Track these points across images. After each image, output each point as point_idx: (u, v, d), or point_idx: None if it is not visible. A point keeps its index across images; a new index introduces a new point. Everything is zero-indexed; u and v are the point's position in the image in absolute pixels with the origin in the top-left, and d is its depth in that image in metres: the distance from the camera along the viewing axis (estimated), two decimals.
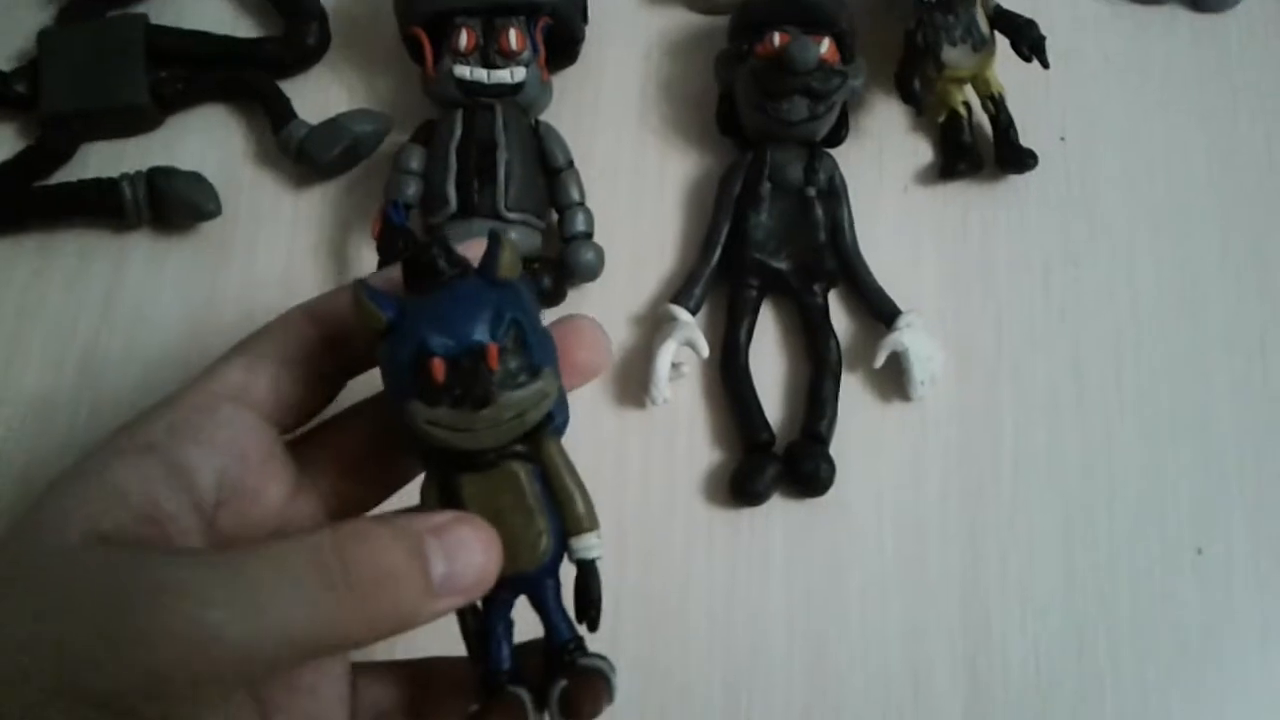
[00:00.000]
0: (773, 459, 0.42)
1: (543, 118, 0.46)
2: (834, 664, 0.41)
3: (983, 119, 0.47)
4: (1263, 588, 0.42)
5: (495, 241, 0.26)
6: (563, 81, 0.47)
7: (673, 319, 0.43)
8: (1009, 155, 0.46)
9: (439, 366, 0.25)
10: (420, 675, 0.31)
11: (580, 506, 0.27)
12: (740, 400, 0.43)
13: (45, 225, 0.46)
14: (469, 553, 0.25)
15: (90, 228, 0.46)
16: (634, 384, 0.43)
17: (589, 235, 0.44)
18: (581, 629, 0.28)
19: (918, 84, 0.46)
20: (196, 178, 0.45)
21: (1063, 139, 0.48)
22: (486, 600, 0.27)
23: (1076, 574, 0.42)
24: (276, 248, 0.46)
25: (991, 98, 0.46)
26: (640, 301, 0.45)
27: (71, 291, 0.45)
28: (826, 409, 0.42)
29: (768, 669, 0.40)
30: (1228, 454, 0.43)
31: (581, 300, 0.45)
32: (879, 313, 0.44)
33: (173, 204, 0.45)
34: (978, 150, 0.46)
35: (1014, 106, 0.46)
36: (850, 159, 0.46)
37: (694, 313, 0.44)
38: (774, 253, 0.44)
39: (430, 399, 0.25)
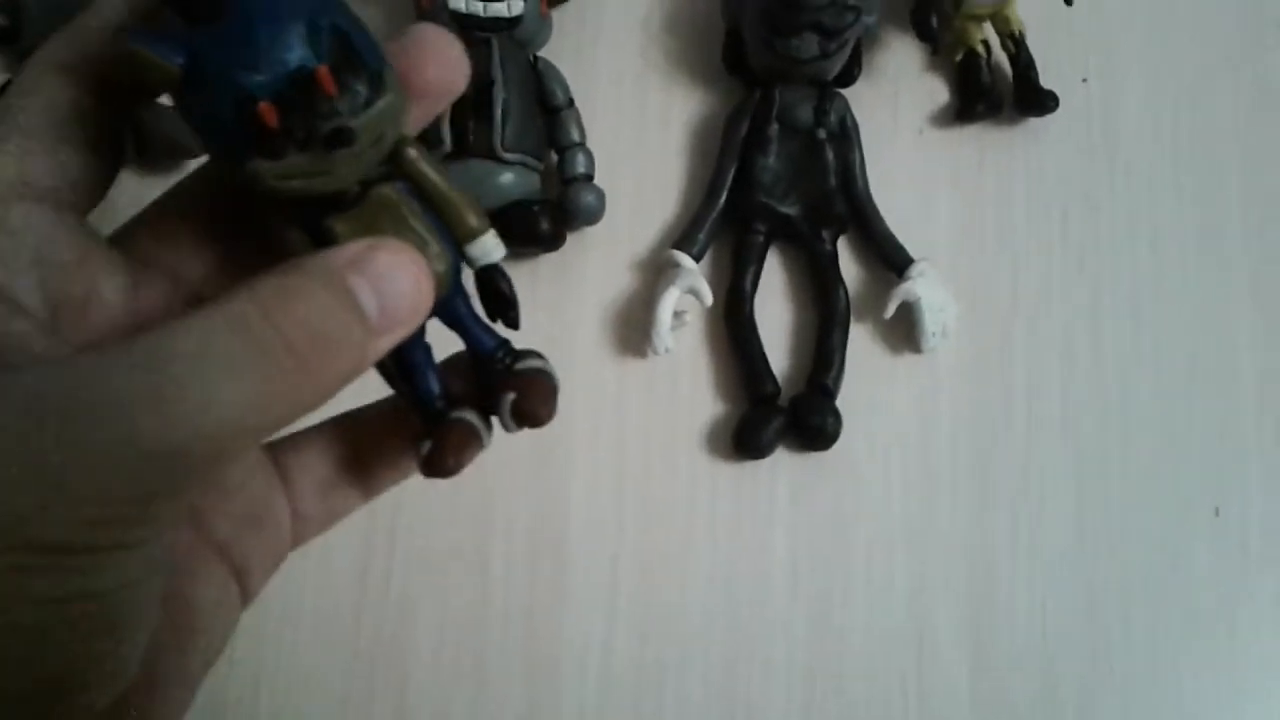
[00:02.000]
0: (778, 411, 0.41)
1: (541, 54, 0.44)
2: (837, 622, 0.40)
3: (1002, 59, 0.45)
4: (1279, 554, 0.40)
5: None
6: (562, 16, 0.45)
7: (675, 265, 0.41)
8: (1029, 97, 0.44)
9: (269, 112, 0.20)
10: (348, 431, 0.28)
11: (465, 209, 0.24)
12: (745, 350, 0.41)
13: None
14: (396, 280, 0.22)
15: None
16: (635, 332, 0.42)
17: (590, 177, 0.43)
18: (504, 331, 0.26)
19: (935, 21, 0.44)
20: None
21: (1085, 80, 0.46)
22: None
23: (1088, 533, 0.40)
24: None
25: (1011, 36, 0.44)
26: (642, 247, 0.43)
27: None
28: (834, 360, 0.41)
29: (769, 627, 0.39)
30: (1248, 410, 0.42)
31: (581, 245, 0.43)
32: (890, 261, 0.42)
33: (157, 142, 0.43)
34: (996, 91, 0.44)
35: (1035, 46, 0.44)
36: (863, 100, 0.44)
37: (698, 259, 0.42)
38: (782, 197, 0.42)
39: (270, 151, 0.21)
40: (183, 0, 0.21)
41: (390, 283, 0.22)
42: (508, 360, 0.26)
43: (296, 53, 0.21)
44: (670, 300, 0.41)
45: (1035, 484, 0.41)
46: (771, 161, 0.43)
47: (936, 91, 0.46)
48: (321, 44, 0.21)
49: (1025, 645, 0.39)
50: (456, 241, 0.24)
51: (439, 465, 0.25)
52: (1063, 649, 0.39)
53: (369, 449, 0.28)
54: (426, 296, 0.22)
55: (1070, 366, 0.42)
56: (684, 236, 0.42)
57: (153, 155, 0.43)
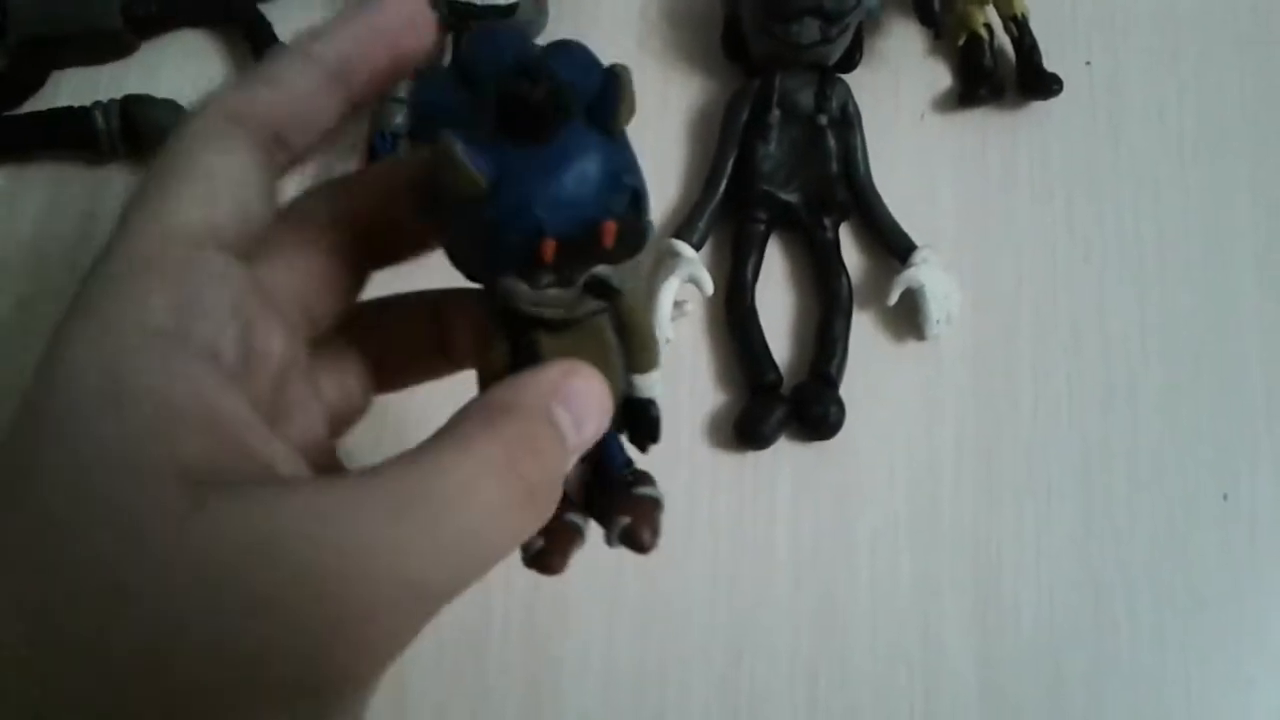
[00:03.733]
0: (780, 401, 0.40)
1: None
2: (841, 614, 0.39)
3: (1005, 42, 0.44)
4: None
5: (614, 81, 0.22)
6: (559, 4, 0.45)
7: (675, 255, 0.41)
8: (1032, 80, 0.44)
9: (550, 248, 0.22)
10: (380, 325, 0.29)
11: (651, 344, 0.26)
12: (746, 339, 0.41)
13: (15, 157, 0.44)
14: (589, 407, 0.23)
15: (63, 159, 0.44)
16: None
17: None
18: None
19: (937, 4, 0.44)
20: (173, 106, 0.43)
21: (1089, 63, 0.45)
22: None
23: (1095, 522, 0.40)
24: None
25: (1014, 19, 0.44)
26: None
27: (44, 227, 0.43)
28: (836, 349, 0.41)
29: (772, 618, 0.39)
30: (1255, 395, 0.42)
31: None
32: (893, 248, 0.42)
33: (149, 134, 0.43)
34: (999, 75, 0.44)
35: (1038, 28, 0.44)
36: (864, 85, 0.43)
37: (698, 248, 0.41)
38: (783, 184, 0.42)
39: (533, 279, 0.23)
40: (513, 119, 0.22)
41: (585, 410, 0.23)
42: (630, 479, 0.27)
43: (594, 204, 0.22)
44: (670, 290, 0.40)
45: (1041, 472, 0.40)
46: (772, 149, 0.42)
47: (939, 76, 0.45)
48: (618, 201, 0.22)
49: (1032, 635, 0.39)
50: (630, 369, 0.26)
51: (546, 565, 0.26)
52: (1070, 638, 0.39)
53: (397, 345, 0.29)
54: (607, 419, 0.24)
55: (1076, 352, 0.42)
56: (684, 225, 0.42)
57: (145, 147, 0.43)
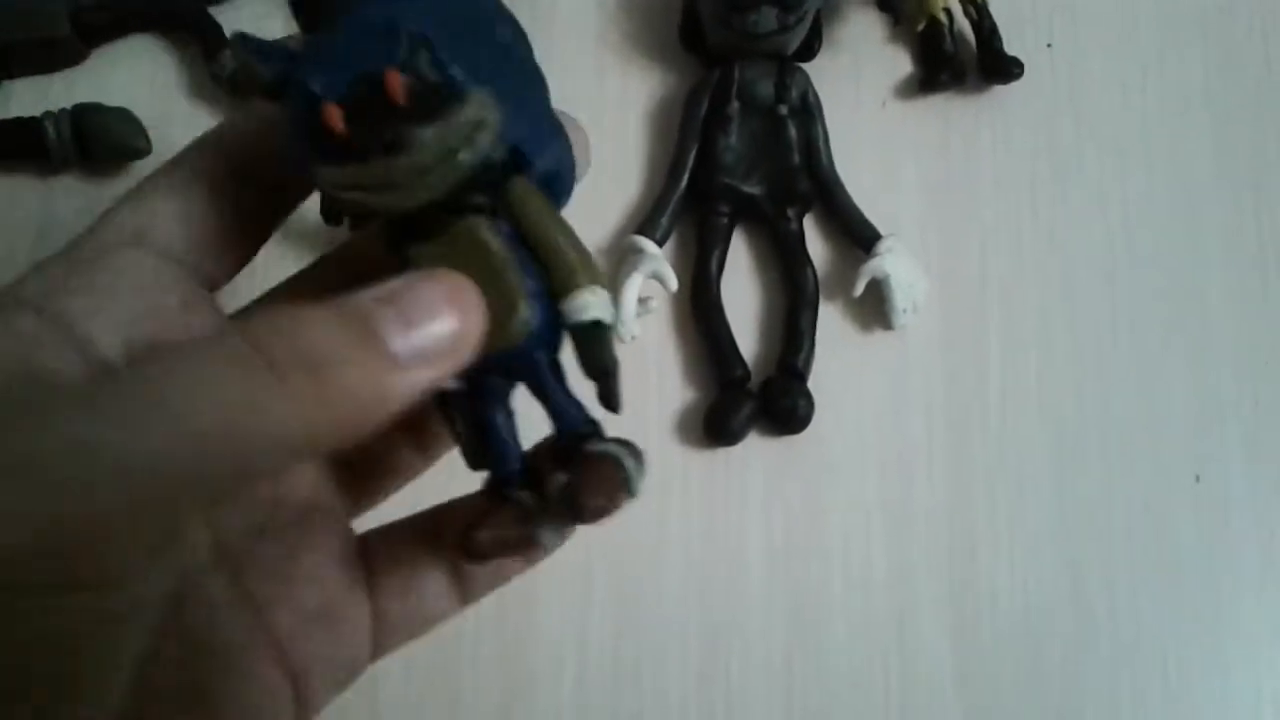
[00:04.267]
0: (748, 396, 0.40)
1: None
2: (816, 608, 0.39)
3: (965, 26, 0.44)
4: (1261, 515, 0.40)
5: None
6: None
7: (638, 251, 0.40)
8: (993, 64, 0.43)
9: (333, 114, 0.19)
10: (443, 523, 0.26)
11: (568, 257, 0.21)
12: (712, 335, 0.41)
13: None
14: (433, 311, 0.20)
15: (14, 172, 0.43)
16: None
17: None
18: (601, 413, 0.23)
19: None
20: (125, 114, 0.42)
21: (1049, 45, 0.45)
22: (475, 392, 0.22)
23: (1068, 506, 0.40)
24: None
25: (974, 3, 0.43)
26: (603, 234, 0.42)
27: None
28: (804, 341, 0.40)
29: (747, 614, 0.39)
30: (1225, 375, 0.41)
31: None
32: (858, 237, 0.41)
33: (101, 143, 0.42)
34: (960, 60, 0.43)
35: (998, 12, 0.43)
36: (824, 74, 0.43)
37: (661, 244, 0.41)
38: (745, 177, 0.42)
39: (333, 157, 0.20)
40: (299, 11, 0.21)
41: (425, 312, 0.19)
42: (583, 435, 0.23)
43: (371, 57, 0.20)
44: (634, 287, 0.40)
45: (1013, 458, 0.40)
46: (733, 141, 0.42)
47: (899, 63, 0.45)
48: (400, 50, 0.20)
49: (1008, 623, 0.39)
50: (553, 295, 0.22)
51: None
52: (1046, 624, 0.39)
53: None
54: (473, 330, 0.20)
55: (1044, 337, 0.42)
56: (646, 221, 0.41)
57: (98, 156, 0.42)
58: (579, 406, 0.23)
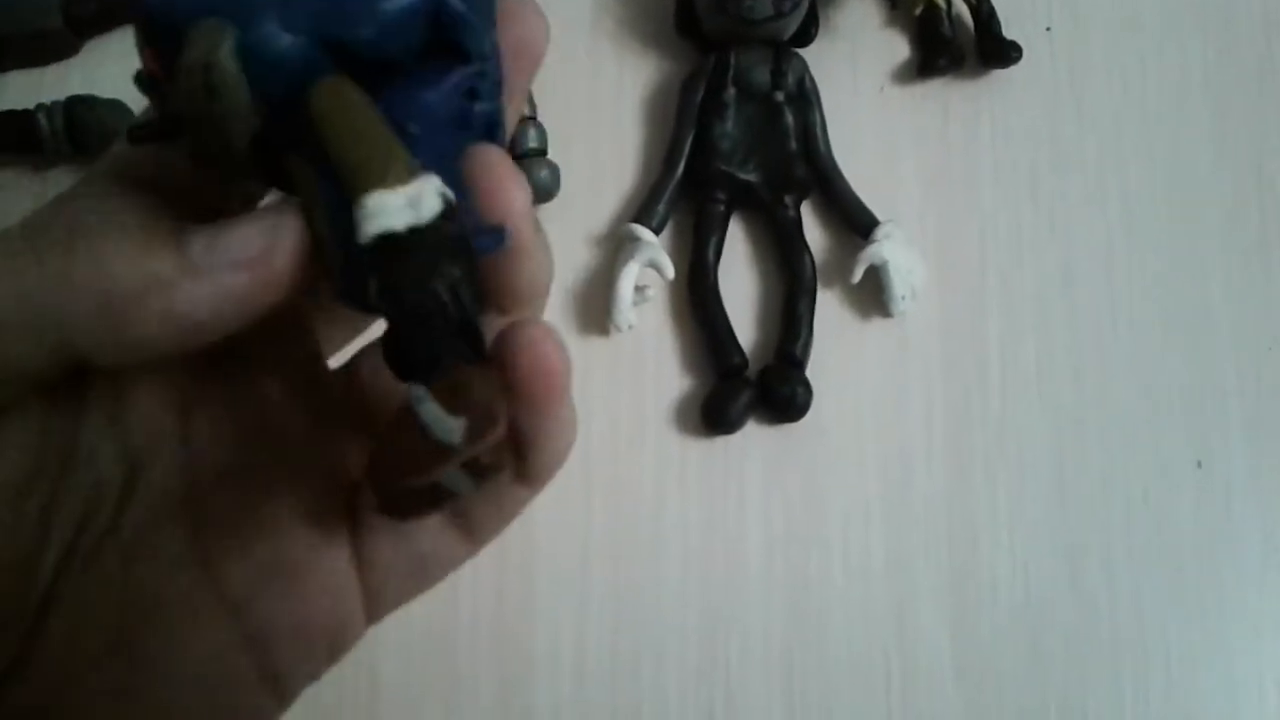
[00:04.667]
0: (746, 384, 0.39)
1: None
2: (815, 597, 0.39)
3: (963, 10, 0.44)
4: (1263, 502, 0.40)
5: None
6: None
7: (635, 239, 0.40)
8: (991, 48, 0.43)
9: (150, 56, 0.19)
10: None
11: (360, 153, 0.18)
12: (710, 323, 0.40)
13: None
14: (233, 233, 0.20)
15: (7, 165, 0.43)
16: (596, 310, 0.41)
17: (542, 152, 0.41)
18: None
19: None
20: (118, 105, 0.42)
21: (1049, 29, 0.44)
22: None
23: (1068, 493, 0.40)
24: None
25: None
26: (600, 222, 0.42)
27: None
28: (802, 329, 0.40)
29: (746, 604, 0.39)
30: (1226, 361, 0.41)
31: None
32: (855, 224, 0.41)
33: (94, 135, 0.42)
34: (958, 44, 0.43)
35: None
36: (821, 59, 0.43)
37: (657, 232, 0.41)
38: (741, 164, 0.41)
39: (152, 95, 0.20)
40: None
41: (225, 235, 0.20)
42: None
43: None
44: (630, 275, 0.40)
45: (1012, 445, 0.40)
46: (729, 127, 0.41)
47: (897, 47, 0.44)
48: None
49: (1008, 611, 0.39)
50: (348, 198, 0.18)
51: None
52: (1047, 612, 0.39)
53: None
54: (288, 250, 0.19)
55: (1044, 324, 0.41)
56: (642, 209, 0.41)
57: (92, 149, 0.42)
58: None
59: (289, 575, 0.23)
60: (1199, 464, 0.40)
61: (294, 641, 0.23)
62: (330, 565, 0.23)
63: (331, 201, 0.18)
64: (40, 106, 0.42)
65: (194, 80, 0.18)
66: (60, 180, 0.43)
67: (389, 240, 0.17)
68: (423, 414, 0.18)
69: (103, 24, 0.44)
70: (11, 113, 0.42)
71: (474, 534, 0.25)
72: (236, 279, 0.19)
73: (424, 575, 0.25)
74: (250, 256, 0.19)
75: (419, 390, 0.18)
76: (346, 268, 0.18)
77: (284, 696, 0.23)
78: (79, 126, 0.42)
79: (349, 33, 0.18)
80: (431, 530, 0.24)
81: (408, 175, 0.17)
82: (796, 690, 0.38)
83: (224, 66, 0.18)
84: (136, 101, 0.42)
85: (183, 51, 0.18)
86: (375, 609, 0.24)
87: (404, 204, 0.17)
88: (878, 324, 0.41)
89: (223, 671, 0.22)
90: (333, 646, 0.24)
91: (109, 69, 0.44)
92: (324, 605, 0.23)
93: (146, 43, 0.19)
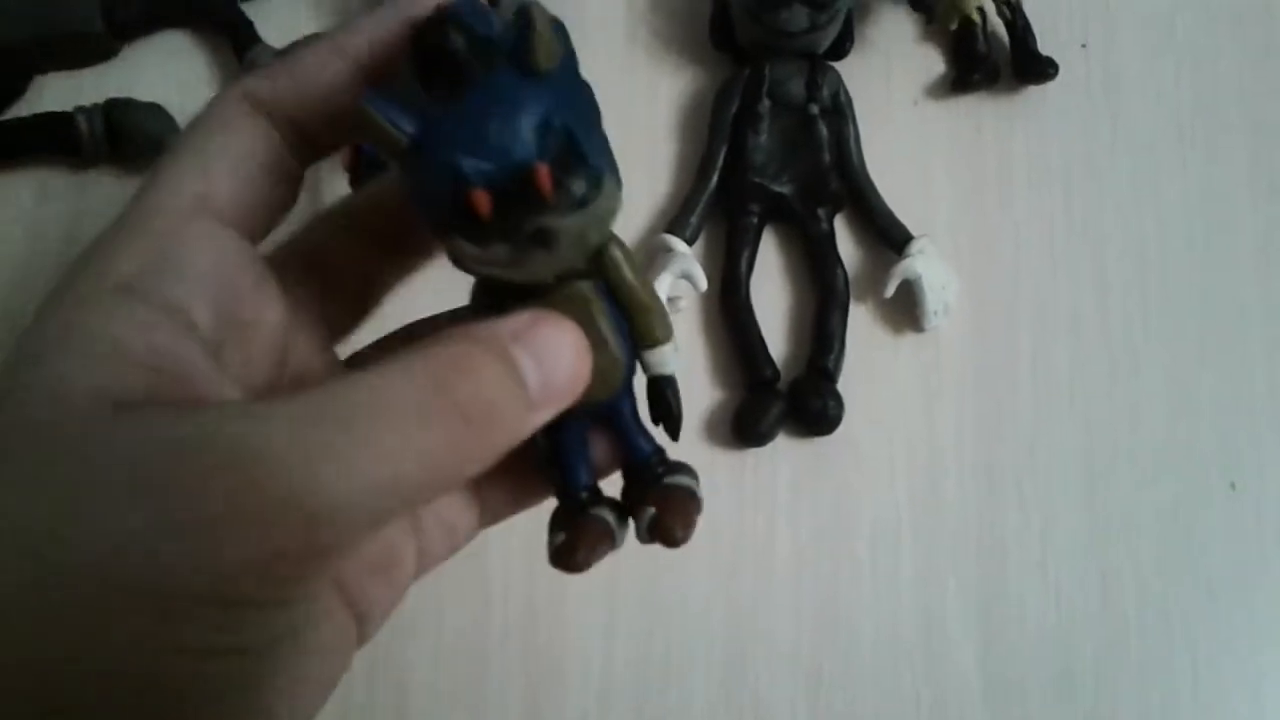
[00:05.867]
0: (777, 396, 0.39)
1: None
2: (843, 611, 0.39)
3: (998, 25, 0.44)
4: None
5: (525, 19, 0.21)
6: None
7: (668, 250, 0.40)
8: (1027, 64, 0.43)
9: (482, 200, 0.20)
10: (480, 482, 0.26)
11: (655, 318, 0.24)
12: (742, 335, 0.40)
13: None
14: (557, 354, 0.22)
15: (47, 166, 0.43)
16: None
17: None
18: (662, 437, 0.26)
19: None
20: (156, 108, 0.43)
21: (1084, 46, 0.44)
22: (559, 423, 0.24)
23: (1099, 513, 0.39)
24: None
25: (1008, 2, 0.43)
26: (633, 233, 0.42)
27: (30, 231, 0.43)
28: (834, 342, 0.40)
29: (774, 617, 0.38)
30: (1260, 379, 0.41)
31: None
32: (889, 238, 0.41)
33: (132, 137, 0.42)
34: (993, 60, 0.43)
35: (1032, 11, 0.43)
36: (855, 73, 0.43)
37: (690, 243, 0.41)
38: (775, 176, 0.41)
39: (476, 237, 0.21)
40: (428, 72, 0.21)
41: (551, 356, 0.21)
42: (660, 470, 0.25)
43: (521, 147, 0.20)
44: (663, 286, 0.40)
45: (1043, 463, 0.40)
46: (763, 139, 0.41)
47: (931, 62, 0.44)
48: (548, 142, 0.21)
49: (1037, 629, 0.38)
50: (636, 346, 0.24)
51: (569, 560, 0.24)
52: (1076, 631, 0.38)
53: (495, 474, 0.25)
54: (583, 373, 0.22)
55: (1076, 340, 0.41)
56: (675, 220, 0.41)
57: (129, 151, 0.42)
58: (648, 437, 0.26)
59: (388, 565, 0.26)
60: (1233, 485, 0.40)
61: (381, 610, 0.26)
62: (407, 554, 0.26)
63: (619, 331, 0.24)
64: (79, 109, 0.42)
65: (589, 228, 0.21)
66: (98, 181, 0.43)
67: (665, 379, 0.25)
68: (700, 496, 0.25)
69: (143, 28, 0.44)
70: (52, 115, 0.43)
71: (489, 519, 0.28)
72: (552, 410, 0.22)
73: (449, 552, 0.27)
74: (572, 381, 0.22)
75: (691, 482, 0.26)
76: (626, 385, 0.25)
77: (363, 644, 0.26)
78: (118, 129, 0.42)
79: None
80: (465, 518, 0.27)
81: (672, 337, 0.24)
82: (823, 703, 0.38)
83: (611, 221, 0.23)
84: (174, 105, 0.43)
85: (592, 202, 0.21)
86: (418, 575, 0.27)
87: (675, 354, 0.25)
88: (910, 338, 0.41)
89: (345, 646, 0.25)
90: (396, 605, 0.26)
91: (148, 72, 0.44)
92: (403, 580, 0.26)
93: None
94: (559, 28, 0.22)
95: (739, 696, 0.38)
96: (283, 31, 0.43)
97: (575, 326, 0.22)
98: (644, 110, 0.44)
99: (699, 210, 0.41)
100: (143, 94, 0.43)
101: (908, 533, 0.39)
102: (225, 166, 0.23)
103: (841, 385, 0.40)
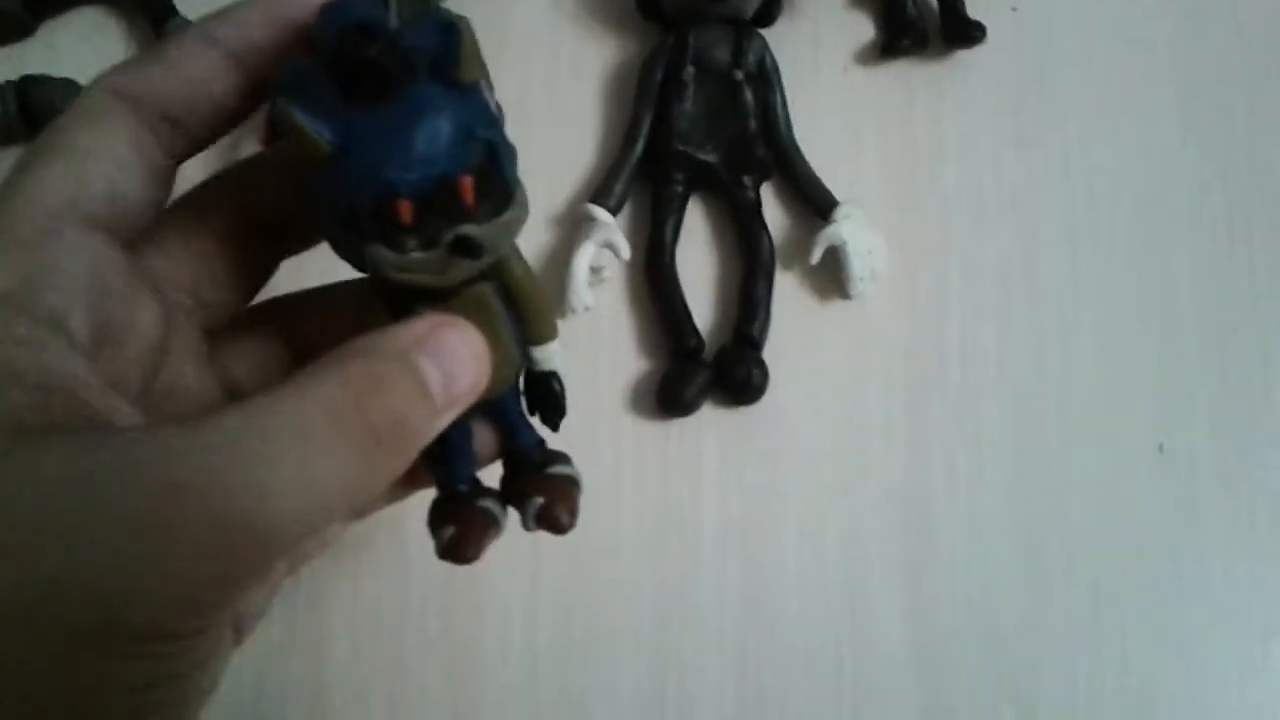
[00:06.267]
0: (702, 366, 0.39)
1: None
2: (770, 582, 0.38)
3: None
4: (1226, 486, 0.39)
5: (450, 32, 0.22)
6: None
7: (590, 219, 0.40)
8: (955, 28, 0.42)
9: (405, 209, 0.21)
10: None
11: (546, 315, 0.25)
12: (666, 304, 0.40)
13: None
14: (460, 359, 0.22)
15: None
16: (552, 291, 0.40)
17: None
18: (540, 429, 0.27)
19: None
20: (71, 85, 0.42)
21: (1014, 9, 0.44)
22: None
23: (1027, 476, 0.39)
24: None
25: None
26: (558, 202, 0.42)
27: None
28: (759, 310, 0.39)
29: (700, 587, 0.38)
30: (1190, 344, 0.41)
31: None
32: (815, 205, 0.41)
33: (47, 114, 0.41)
34: (922, 24, 0.42)
35: None
36: (784, 39, 0.42)
37: (615, 212, 0.40)
38: (700, 144, 0.41)
39: (396, 244, 0.22)
40: (353, 80, 0.21)
41: (454, 362, 0.22)
42: (541, 460, 0.27)
43: (445, 158, 0.21)
44: (585, 256, 0.39)
45: (971, 428, 0.39)
46: (688, 107, 0.41)
47: (861, 28, 0.44)
48: (471, 154, 0.21)
49: (964, 594, 0.38)
50: (526, 342, 0.25)
51: (459, 553, 0.26)
52: (1003, 596, 0.38)
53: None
54: (484, 376, 0.23)
55: (1005, 306, 0.41)
56: (599, 189, 0.41)
57: (44, 125, 0.42)
58: (530, 427, 0.27)
59: None
60: (1161, 447, 0.39)
61: (257, 609, 0.27)
62: None
63: (514, 330, 0.25)
64: None
65: (501, 236, 0.23)
66: (12, 159, 0.42)
67: (553, 375, 0.26)
68: (581, 484, 0.27)
69: (59, 4, 0.44)
70: None
71: (363, 512, 0.29)
72: (454, 413, 0.22)
73: (326, 546, 0.29)
74: (473, 385, 0.23)
75: (573, 470, 0.27)
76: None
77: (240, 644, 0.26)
78: (32, 106, 0.41)
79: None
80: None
81: (557, 333, 0.26)
82: (750, 675, 0.38)
83: (518, 229, 0.23)
84: (90, 80, 0.42)
85: (507, 210, 0.22)
86: (291, 572, 0.28)
87: (562, 350, 0.26)
88: (837, 306, 0.41)
89: (225, 644, 0.24)
90: (270, 601, 0.27)
91: (65, 48, 0.44)
92: (277, 579, 0.27)
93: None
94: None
95: (664, 668, 0.37)
96: (201, 4, 0.42)
97: (476, 331, 0.23)
98: (570, 81, 0.43)
99: (623, 179, 0.41)
100: (61, 71, 0.42)
101: (835, 500, 0.39)
102: (94, 167, 0.22)
103: (768, 354, 0.39)
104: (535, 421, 0.27)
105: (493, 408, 0.26)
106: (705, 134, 0.41)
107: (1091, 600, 0.38)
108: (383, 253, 0.22)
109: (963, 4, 0.42)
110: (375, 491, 0.21)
